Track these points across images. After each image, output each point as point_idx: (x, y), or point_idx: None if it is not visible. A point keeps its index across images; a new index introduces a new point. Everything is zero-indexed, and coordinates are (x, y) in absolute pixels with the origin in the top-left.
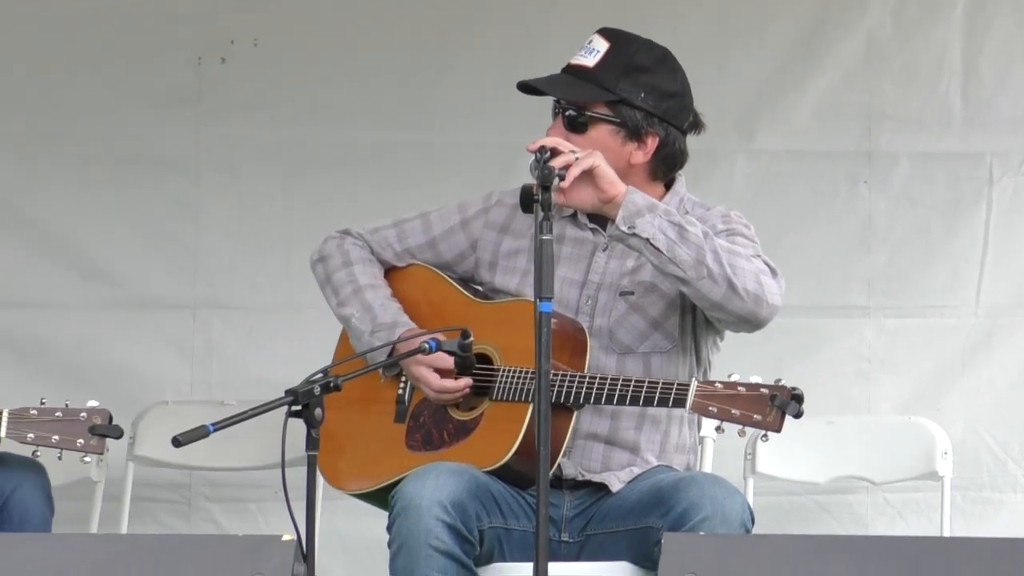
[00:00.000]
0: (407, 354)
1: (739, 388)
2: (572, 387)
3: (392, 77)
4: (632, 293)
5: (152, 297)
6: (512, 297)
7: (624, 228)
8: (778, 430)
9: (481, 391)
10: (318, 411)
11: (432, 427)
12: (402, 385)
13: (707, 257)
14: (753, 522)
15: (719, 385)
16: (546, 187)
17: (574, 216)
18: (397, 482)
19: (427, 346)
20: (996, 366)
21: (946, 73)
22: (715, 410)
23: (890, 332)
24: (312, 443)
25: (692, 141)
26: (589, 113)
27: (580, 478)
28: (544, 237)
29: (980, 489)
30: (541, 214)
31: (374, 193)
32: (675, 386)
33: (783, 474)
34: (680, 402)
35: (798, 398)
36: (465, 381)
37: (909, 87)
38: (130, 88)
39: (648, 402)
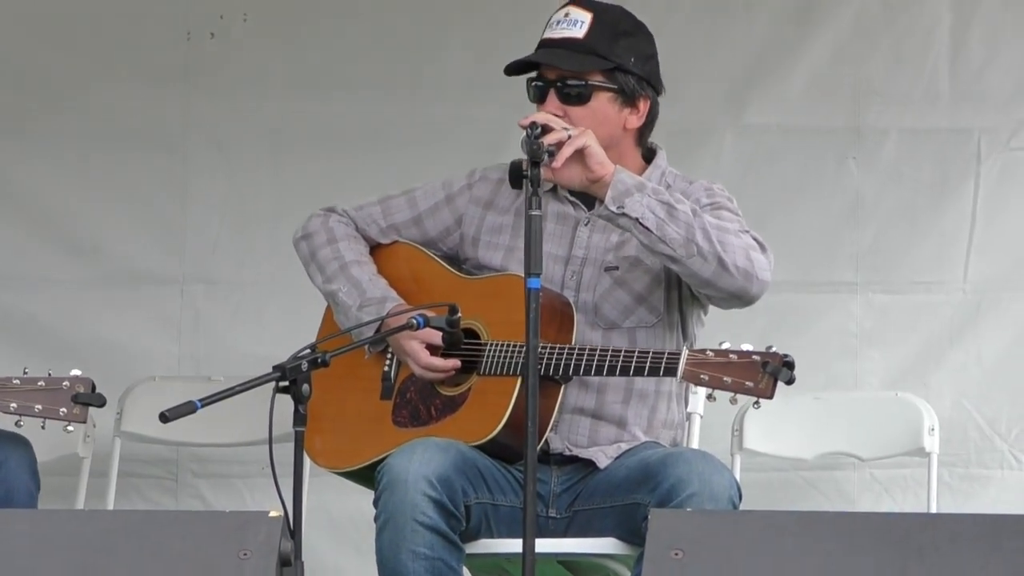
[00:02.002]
0: (396, 329)
1: (731, 356)
2: (561, 359)
3: (382, 52)
4: (617, 268)
5: (140, 272)
6: (497, 272)
7: (613, 208)
8: (770, 396)
9: (468, 366)
10: (305, 387)
11: (419, 403)
12: (388, 361)
13: (697, 235)
14: (740, 498)
15: (710, 353)
16: (535, 163)
17: (554, 190)
18: (384, 459)
19: (415, 322)
20: (983, 342)
21: (935, 49)
22: (706, 378)
23: (878, 308)
24: (299, 419)
25: (681, 117)
26: (591, 83)
27: (567, 452)
28: (533, 212)
29: (967, 465)
30: (530, 190)
31: (364, 168)
32: (665, 355)
33: (770, 450)
34: (671, 371)
35: (789, 364)
36: (453, 362)
37: (898, 63)
38: (119, 63)
39: (639, 371)
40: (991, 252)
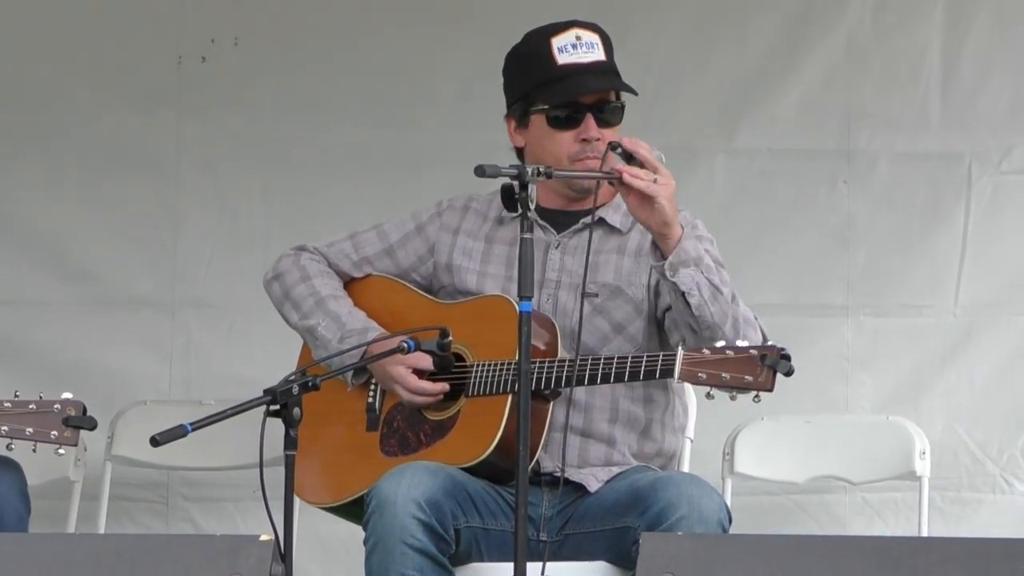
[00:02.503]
0: (384, 354)
1: (727, 352)
2: (552, 372)
3: (372, 76)
4: (596, 295)
5: (131, 296)
6: (475, 296)
7: (667, 272)
8: (771, 389)
9: (455, 389)
10: (296, 410)
11: (407, 430)
12: (372, 392)
13: (727, 323)
14: (730, 521)
15: (706, 351)
16: (524, 185)
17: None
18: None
19: (406, 346)
20: (975, 366)
21: (926, 73)
22: (704, 376)
23: (869, 331)
24: (290, 443)
25: (673, 139)
26: (623, 104)
27: (558, 473)
28: (525, 236)
29: (959, 489)
30: (524, 213)
31: (354, 192)
32: (660, 356)
33: (761, 474)
34: (668, 371)
35: (787, 356)
36: (442, 386)
37: (889, 87)
38: (110, 87)
39: (634, 376)
40: (982, 276)
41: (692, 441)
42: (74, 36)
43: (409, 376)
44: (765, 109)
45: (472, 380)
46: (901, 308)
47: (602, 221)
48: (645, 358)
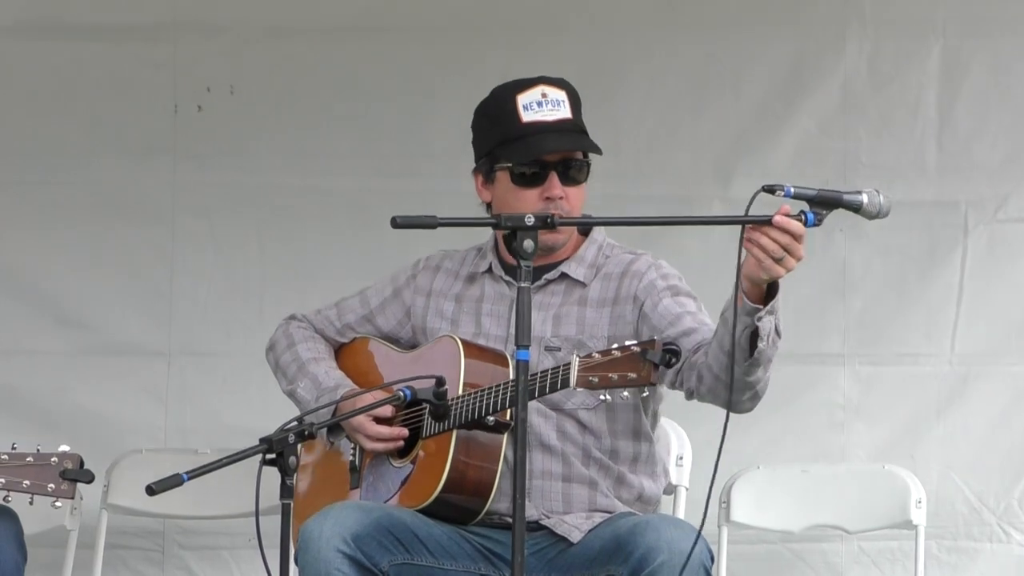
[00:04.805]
0: (365, 408)
1: (614, 352)
2: (475, 402)
3: (368, 124)
4: (559, 349)
5: (127, 344)
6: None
7: (753, 318)
8: (652, 382)
9: (416, 435)
10: (292, 459)
11: (378, 481)
12: (351, 451)
13: (770, 366)
14: (713, 561)
15: (596, 355)
16: (514, 235)
17: (490, 270)
18: None
19: (402, 394)
20: (971, 415)
21: (921, 121)
22: (596, 380)
23: (865, 380)
24: (286, 491)
25: (668, 188)
26: (588, 161)
27: (544, 520)
28: (522, 284)
29: (955, 538)
30: (519, 263)
31: (350, 241)
32: (560, 368)
33: (757, 522)
34: (565, 382)
35: (670, 350)
36: (399, 429)
37: (885, 134)
38: (107, 135)
39: (542, 392)
40: (978, 324)
41: (687, 489)
42: (71, 84)
43: (367, 423)
44: (760, 157)
45: (425, 422)
46: (897, 357)
47: (564, 276)
48: (548, 372)
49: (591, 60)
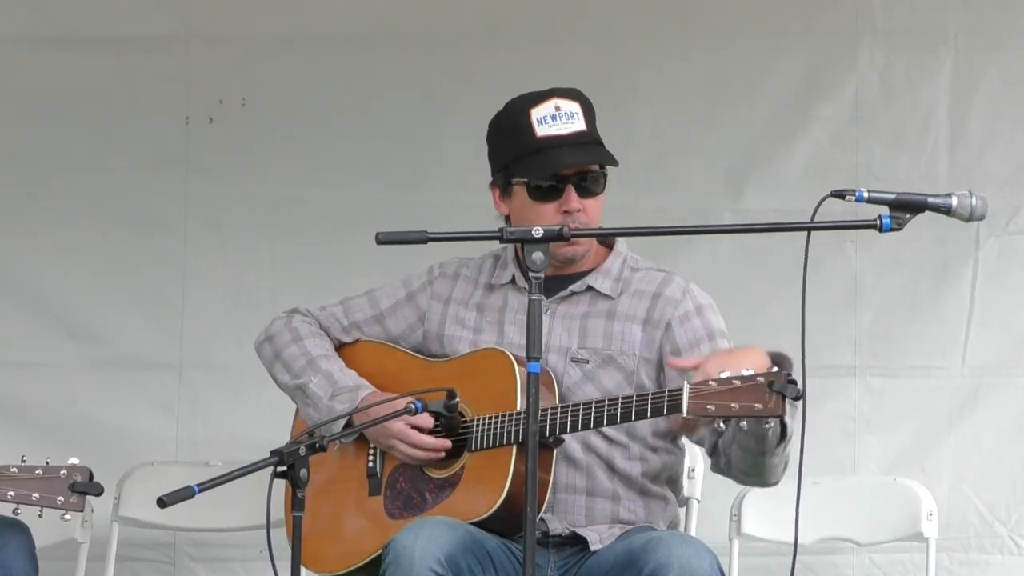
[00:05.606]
0: (385, 417)
1: (734, 382)
2: (556, 418)
3: (380, 136)
4: (587, 361)
5: (138, 356)
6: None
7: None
8: (782, 414)
9: (454, 447)
10: (303, 471)
11: (412, 491)
12: (371, 457)
13: (781, 470)
14: None
15: (713, 383)
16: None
17: (513, 281)
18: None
19: (413, 407)
20: (982, 427)
21: (933, 133)
22: (713, 408)
23: (876, 392)
24: (297, 504)
25: (680, 200)
26: (605, 173)
27: (567, 533)
28: (534, 297)
29: (967, 551)
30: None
31: (361, 252)
32: (667, 392)
33: (768, 535)
34: (675, 407)
35: (793, 381)
36: (445, 442)
37: (896, 146)
38: (119, 147)
39: (640, 415)
40: (990, 336)
41: (699, 502)
42: (82, 96)
43: (410, 431)
44: (772, 170)
45: (474, 435)
46: (908, 369)
47: (590, 288)
48: (651, 395)
49: (602, 72)
